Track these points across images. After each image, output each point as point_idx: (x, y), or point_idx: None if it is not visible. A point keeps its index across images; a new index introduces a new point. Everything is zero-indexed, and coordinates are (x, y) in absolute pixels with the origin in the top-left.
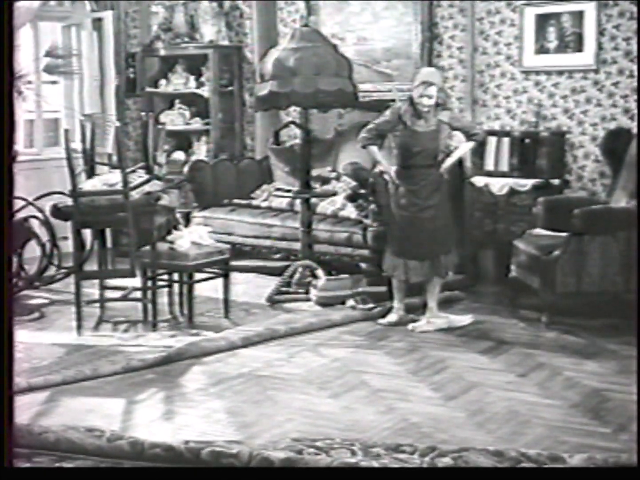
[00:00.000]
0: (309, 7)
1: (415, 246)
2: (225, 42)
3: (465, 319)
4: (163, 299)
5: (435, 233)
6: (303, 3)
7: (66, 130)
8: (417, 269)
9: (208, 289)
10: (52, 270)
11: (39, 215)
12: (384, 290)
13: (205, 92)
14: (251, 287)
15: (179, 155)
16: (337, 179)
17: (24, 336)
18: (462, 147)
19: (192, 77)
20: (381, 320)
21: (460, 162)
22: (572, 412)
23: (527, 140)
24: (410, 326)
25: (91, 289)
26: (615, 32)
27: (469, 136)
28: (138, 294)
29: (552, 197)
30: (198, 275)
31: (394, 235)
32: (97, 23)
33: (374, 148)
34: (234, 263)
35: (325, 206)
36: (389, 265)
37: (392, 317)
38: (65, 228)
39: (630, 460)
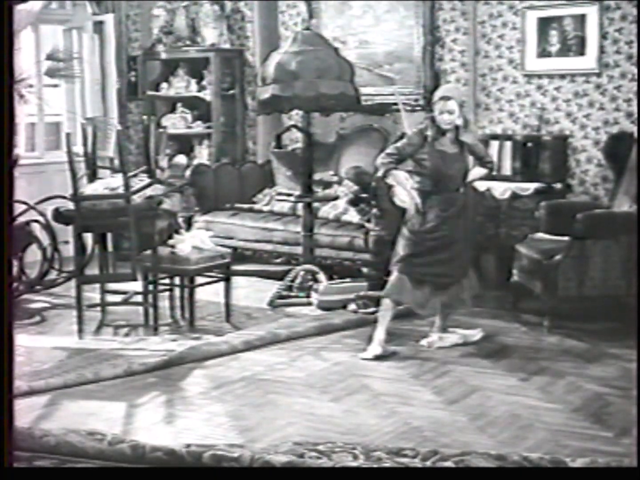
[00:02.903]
0: (310, 10)
1: (436, 274)
2: (227, 46)
3: (476, 334)
4: (164, 303)
5: (457, 259)
6: (304, 6)
7: (68, 134)
8: (428, 300)
9: (209, 293)
10: (53, 274)
11: (41, 219)
12: None
13: (206, 95)
14: (252, 291)
15: (181, 159)
16: (339, 182)
17: (25, 340)
18: (477, 172)
19: (193, 81)
20: (364, 355)
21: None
22: (574, 416)
23: (529, 144)
24: (424, 342)
25: (92, 293)
26: (617, 36)
27: (482, 163)
28: (139, 298)
29: (554, 202)
30: (199, 279)
31: (412, 261)
32: (99, 26)
33: (398, 174)
34: (235, 267)
35: (327, 210)
36: (395, 288)
37: (375, 350)
38: (66, 232)
39: (632, 465)
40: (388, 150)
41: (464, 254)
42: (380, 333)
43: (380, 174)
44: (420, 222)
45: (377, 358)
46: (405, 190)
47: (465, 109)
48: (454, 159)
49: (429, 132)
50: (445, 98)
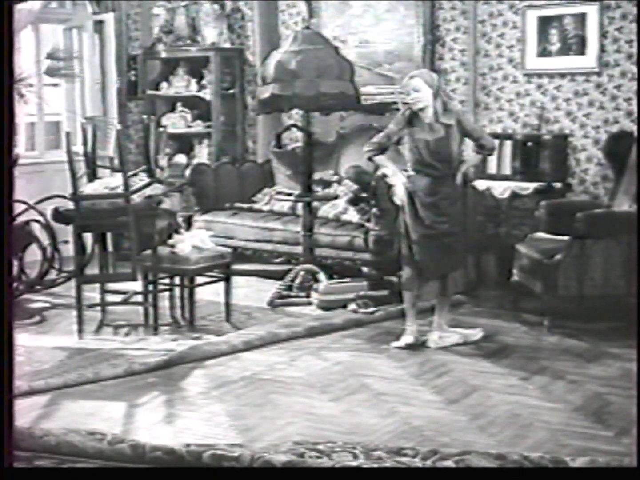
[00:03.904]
0: (310, 10)
1: (430, 264)
2: (227, 45)
3: (476, 333)
4: (164, 303)
5: (450, 249)
6: (305, 5)
7: (67, 133)
8: (429, 287)
9: (209, 292)
10: (53, 274)
11: (40, 218)
12: (385, 294)
13: (206, 94)
14: (252, 290)
15: (181, 158)
16: (339, 182)
17: (25, 340)
18: (471, 160)
19: (193, 80)
20: (396, 343)
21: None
22: (574, 415)
23: (529, 144)
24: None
25: (92, 293)
26: (617, 35)
27: (477, 146)
28: (139, 298)
29: (554, 201)
30: (199, 279)
31: (409, 251)
32: (99, 25)
33: (381, 157)
34: (235, 267)
35: (327, 210)
36: (408, 279)
37: (407, 339)
38: (66, 232)
39: (632, 464)
40: (373, 139)
41: (456, 244)
42: (410, 323)
43: (365, 157)
44: (409, 210)
45: (409, 347)
46: (390, 169)
47: (441, 92)
48: (435, 144)
49: (407, 121)
50: (410, 77)
